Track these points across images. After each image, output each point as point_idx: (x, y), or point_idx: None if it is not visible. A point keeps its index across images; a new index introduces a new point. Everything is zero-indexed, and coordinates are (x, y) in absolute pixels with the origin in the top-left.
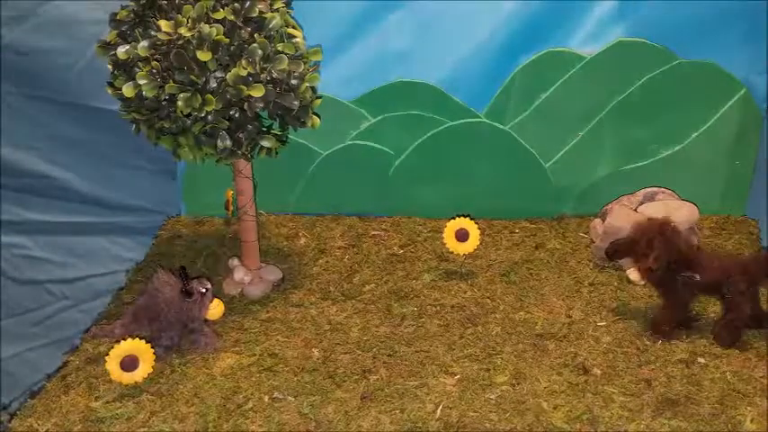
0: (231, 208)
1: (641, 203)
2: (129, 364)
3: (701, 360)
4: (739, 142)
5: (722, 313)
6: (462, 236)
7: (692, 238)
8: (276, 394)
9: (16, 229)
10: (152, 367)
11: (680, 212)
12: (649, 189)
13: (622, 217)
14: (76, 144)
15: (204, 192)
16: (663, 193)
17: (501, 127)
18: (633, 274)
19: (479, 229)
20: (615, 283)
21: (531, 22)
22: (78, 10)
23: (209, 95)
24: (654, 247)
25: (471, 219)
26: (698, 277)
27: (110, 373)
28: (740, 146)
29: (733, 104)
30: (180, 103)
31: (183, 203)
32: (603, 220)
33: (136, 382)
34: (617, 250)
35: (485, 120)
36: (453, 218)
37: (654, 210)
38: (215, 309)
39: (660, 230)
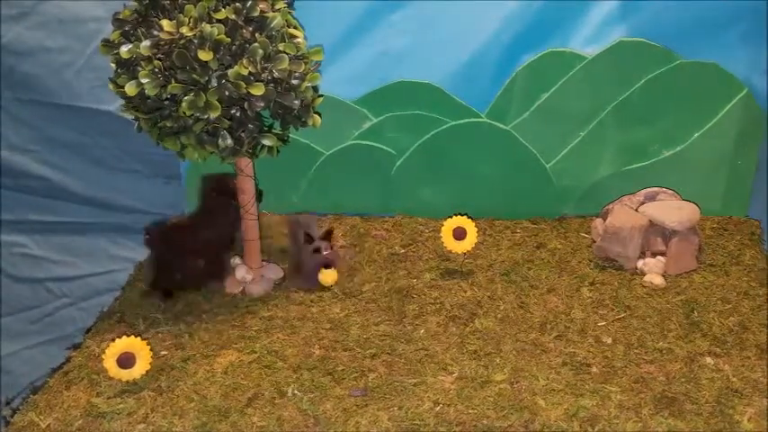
0: None
1: (642, 203)
2: (126, 361)
3: (709, 360)
4: (741, 143)
5: None
6: (460, 234)
7: (694, 238)
8: (289, 392)
9: (16, 228)
10: (149, 364)
11: (681, 213)
12: (650, 189)
13: (623, 217)
14: (72, 146)
15: None
16: (664, 193)
17: (502, 127)
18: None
19: (480, 228)
20: (616, 283)
21: (532, 22)
22: (78, 8)
23: (214, 101)
24: None
25: (469, 218)
26: None
27: (107, 370)
28: (742, 146)
29: (734, 105)
30: (184, 104)
31: (186, 202)
32: (605, 220)
33: (134, 380)
34: None
35: (486, 120)
36: (451, 217)
37: (655, 210)
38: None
39: None
